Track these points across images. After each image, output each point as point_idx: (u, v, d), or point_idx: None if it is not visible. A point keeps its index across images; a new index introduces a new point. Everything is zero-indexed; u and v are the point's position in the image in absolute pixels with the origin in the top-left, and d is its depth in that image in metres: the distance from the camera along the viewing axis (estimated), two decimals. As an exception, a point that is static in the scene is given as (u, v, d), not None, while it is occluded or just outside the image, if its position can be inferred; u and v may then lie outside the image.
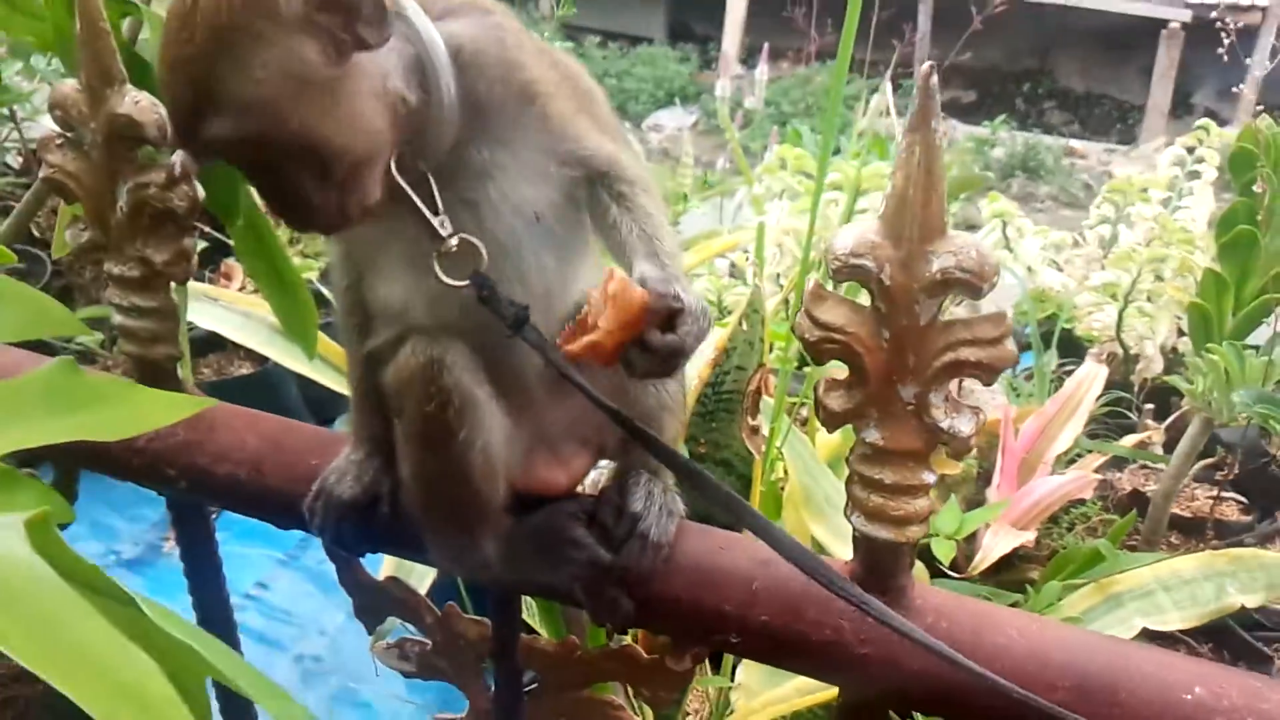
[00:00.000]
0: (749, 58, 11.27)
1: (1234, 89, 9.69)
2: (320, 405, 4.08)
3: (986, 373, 1.08)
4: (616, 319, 1.04)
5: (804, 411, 2.78)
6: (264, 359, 3.62)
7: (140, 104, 1.38)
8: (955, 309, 1.13)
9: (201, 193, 1.44)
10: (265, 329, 2.85)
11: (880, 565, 1.19)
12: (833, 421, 1.16)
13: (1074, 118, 12.24)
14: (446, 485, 1.20)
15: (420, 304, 1.20)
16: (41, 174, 1.46)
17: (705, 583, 1.25)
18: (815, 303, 1.10)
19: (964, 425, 1.11)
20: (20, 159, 4.46)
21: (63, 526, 0.82)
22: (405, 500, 1.27)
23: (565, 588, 1.24)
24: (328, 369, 2.66)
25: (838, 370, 1.14)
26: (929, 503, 1.17)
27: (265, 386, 3.95)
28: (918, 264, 1.04)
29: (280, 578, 3.37)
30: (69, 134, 1.44)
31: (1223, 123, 10.29)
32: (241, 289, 4.02)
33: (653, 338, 1.06)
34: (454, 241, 1.11)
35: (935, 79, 0.97)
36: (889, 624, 1.09)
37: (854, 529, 1.19)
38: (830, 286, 1.14)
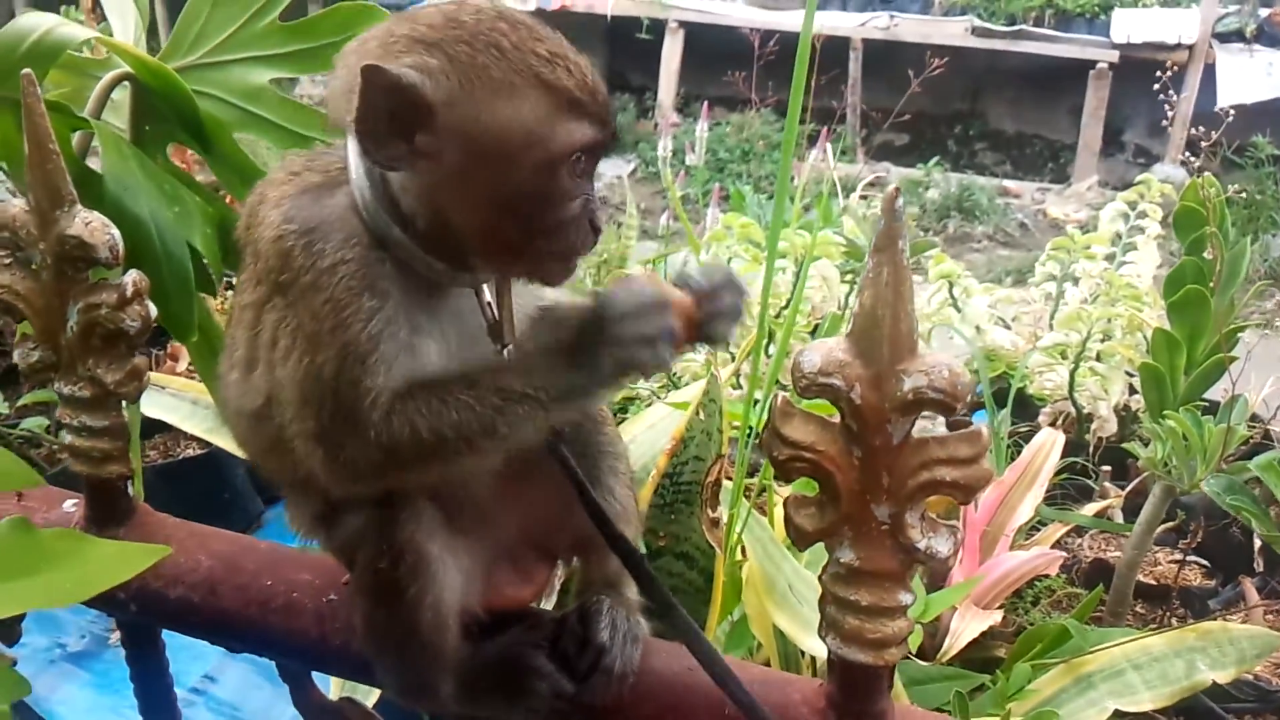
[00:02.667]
0: (685, 105, 11.36)
1: (1163, 125, 9.88)
2: (268, 486, 3.98)
3: (963, 493, 1.04)
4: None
5: (756, 485, 2.72)
6: (211, 438, 3.52)
7: (91, 225, 1.33)
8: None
9: (154, 311, 1.40)
10: (213, 416, 2.78)
11: (858, 689, 1.14)
12: (804, 540, 1.11)
13: (1006, 158, 12.36)
14: (397, 637, 1.16)
15: None
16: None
17: (675, 707, 1.20)
18: (783, 420, 1.06)
19: (942, 545, 1.06)
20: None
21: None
22: (359, 640, 1.23)
23: None
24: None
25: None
26: (908, 624, 1.12)
27: (212, 468, 3.84)
28: (888, 383, 1.00)
29: (228, 669, 3.25)
30: (17, 253, 1.39)
31: (1153, 159, 10.48)
32: (188, 369, 3.93)
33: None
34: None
35: (900, 202, 0.94)
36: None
37: (829, 651, 1.14)
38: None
